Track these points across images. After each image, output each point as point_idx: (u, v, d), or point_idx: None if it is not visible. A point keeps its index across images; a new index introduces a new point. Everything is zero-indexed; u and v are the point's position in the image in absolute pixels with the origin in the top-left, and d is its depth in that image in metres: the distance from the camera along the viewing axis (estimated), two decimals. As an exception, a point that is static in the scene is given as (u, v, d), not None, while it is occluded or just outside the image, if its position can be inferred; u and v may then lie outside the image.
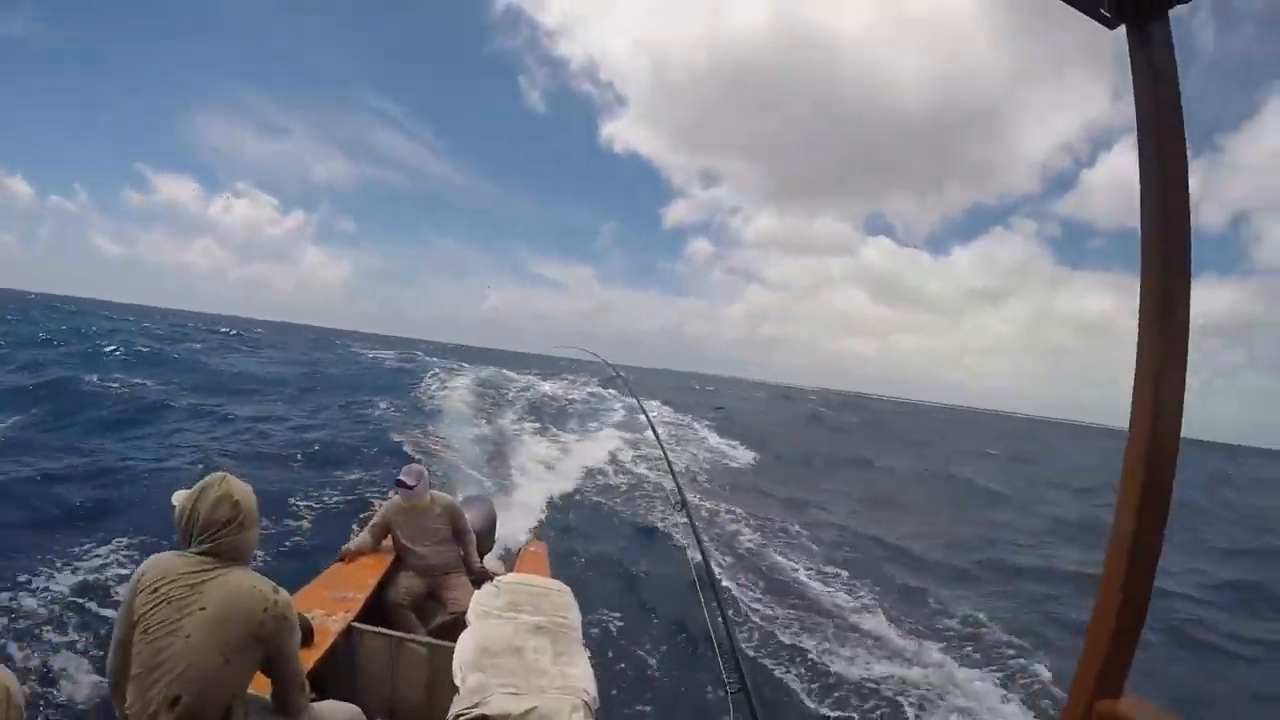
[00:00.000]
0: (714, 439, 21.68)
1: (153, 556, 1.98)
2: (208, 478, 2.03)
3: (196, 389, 16.77)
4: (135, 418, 12.37)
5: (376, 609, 3.91)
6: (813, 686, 6.04)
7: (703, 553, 3.41)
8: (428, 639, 3.46)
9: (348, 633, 3.33)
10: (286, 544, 6.89)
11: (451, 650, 2.84)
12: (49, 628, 4.77)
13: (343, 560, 4.27)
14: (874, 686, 6.12)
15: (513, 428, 17.24)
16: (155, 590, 1.87)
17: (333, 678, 3.02)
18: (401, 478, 4.37)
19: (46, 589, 5.28)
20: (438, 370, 28.03)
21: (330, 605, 3.48)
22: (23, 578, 5.39)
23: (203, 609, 1.84)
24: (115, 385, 15.05)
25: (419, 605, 4.19)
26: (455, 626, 3.51)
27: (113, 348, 22.27)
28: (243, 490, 2.02)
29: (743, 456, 19.40)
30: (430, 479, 4.48)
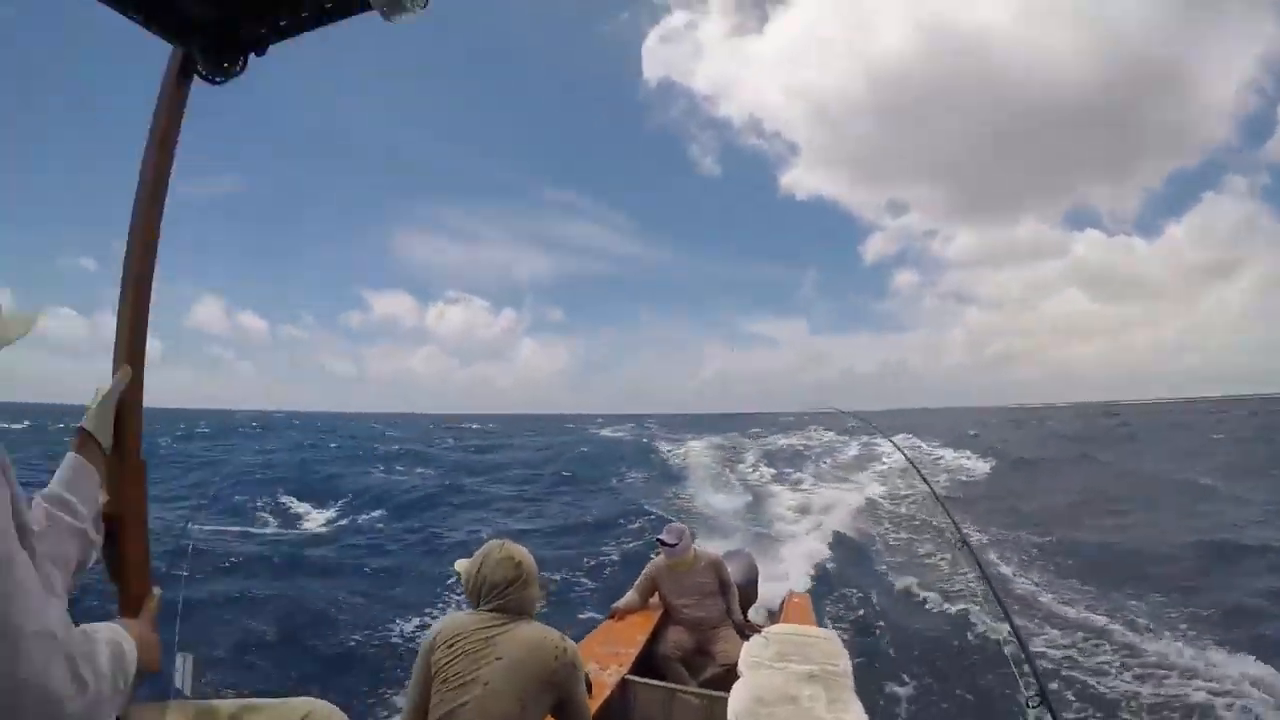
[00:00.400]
0: (971, 464, 20.09)
1: (445, 616, 2.20)
2: (487, 544, 2.22)
3: (466, 474, 19.57)
4: (421, 502, 14.87)
5: (647, 663, 4.02)
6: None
7: (986, 580, 3.26)
8: (701, 690, 3.54)
9: (623, 685, 3.47)
10: (560, 607, 7.46)
11: (724, 701, 2.91)
12: (381, 670, 5.66)
13: (613, 618, 4.46)
14: None
15: (757, 482, 17.60)
16: (452, 645, 2.04)
17: None
18: (663, 537, 4.48)
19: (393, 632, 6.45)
20: (671, 438, 29.38)
21: (604, 659, 3.65)
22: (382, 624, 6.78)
23: (499, 659, 1.98)
24: (403, 477, 17.93)
25: (688, 659, 4.25)
26: (725, 678, 3.57)
27: (382, 448, 26.61)
28: (521, 552, 2.19)
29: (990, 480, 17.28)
30: (690, 536, 4.56)
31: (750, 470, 20.07)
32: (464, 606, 2.23)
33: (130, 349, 1.37)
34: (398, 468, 21.18)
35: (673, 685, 3.60)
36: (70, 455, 1.30)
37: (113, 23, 1.35)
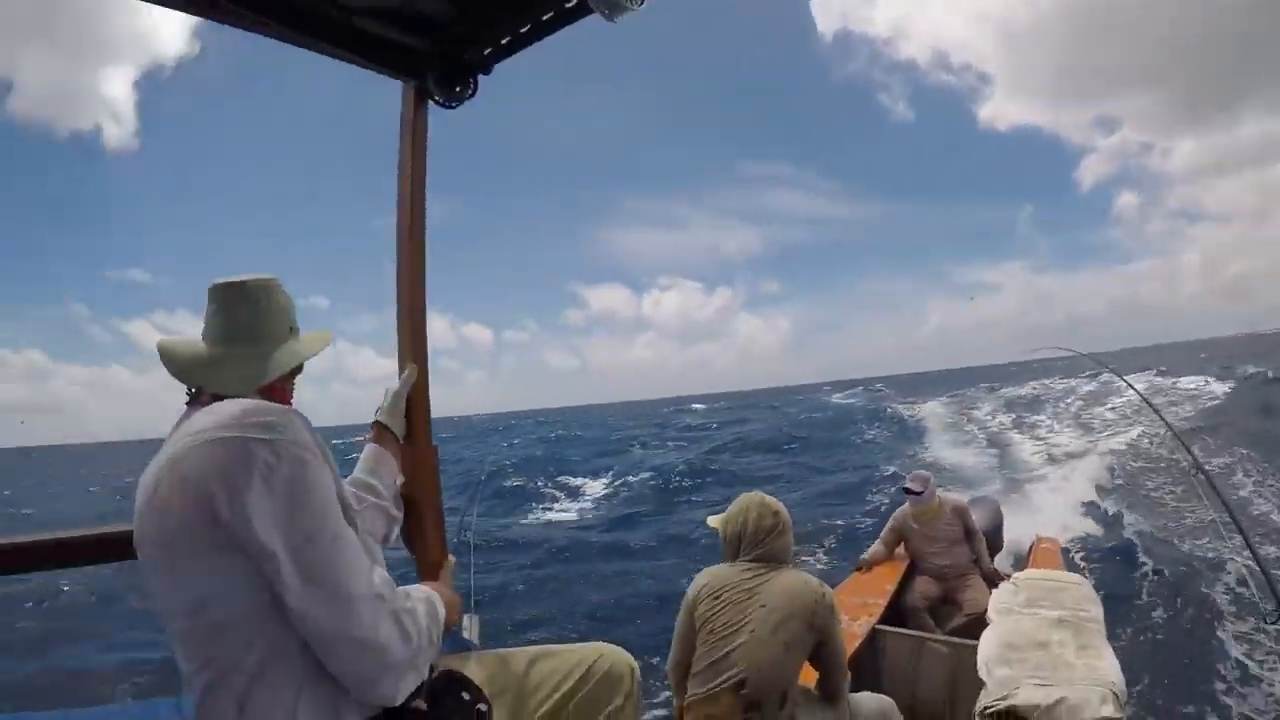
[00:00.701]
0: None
1: (705, 570, 2.29)
2: (740, 498, 2.29)
3: (708, 450, 20.22)
4: (671, 477, 15.78)
5: (896, 613, 4.08)
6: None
7: (1227, 510, 3.04)
8: (949, 638, 3.54)
9: (872, 635, 3.52)
10: (810, 561, 7.84)
11: (973, 648, 2.92)
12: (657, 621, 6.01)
13: (860, 570, 4.53)
14: None
15: (996, 431, 17.36)
16: (718, 597, 2.12)
17: (858, 676, 3.16)
18: (909, 484, 4.48)
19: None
20: (903, 400, 28.63)
21: (853, 610, 3.69)
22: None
23: (763, 606, 2.05)
24: (653, 454, 19.07)
25: (935, 608, 4.27)
26: (972, 627, 3.60)
27: (620, 434, 28.27)
28: (776, 503, 2.26)
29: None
30: (934, 484, 4.53)
31: (988, 419, 20.00)
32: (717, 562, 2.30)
33: (413, 350, 1.61)
34: (641, 449, 22.49)
35: (922, 634, 3.63)
36: (369, 445, 1.54)
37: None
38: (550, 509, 14.06)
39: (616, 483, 16.23)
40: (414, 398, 1.61)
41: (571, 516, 13.20)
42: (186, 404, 1.17)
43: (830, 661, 2.15)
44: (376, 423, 1.57)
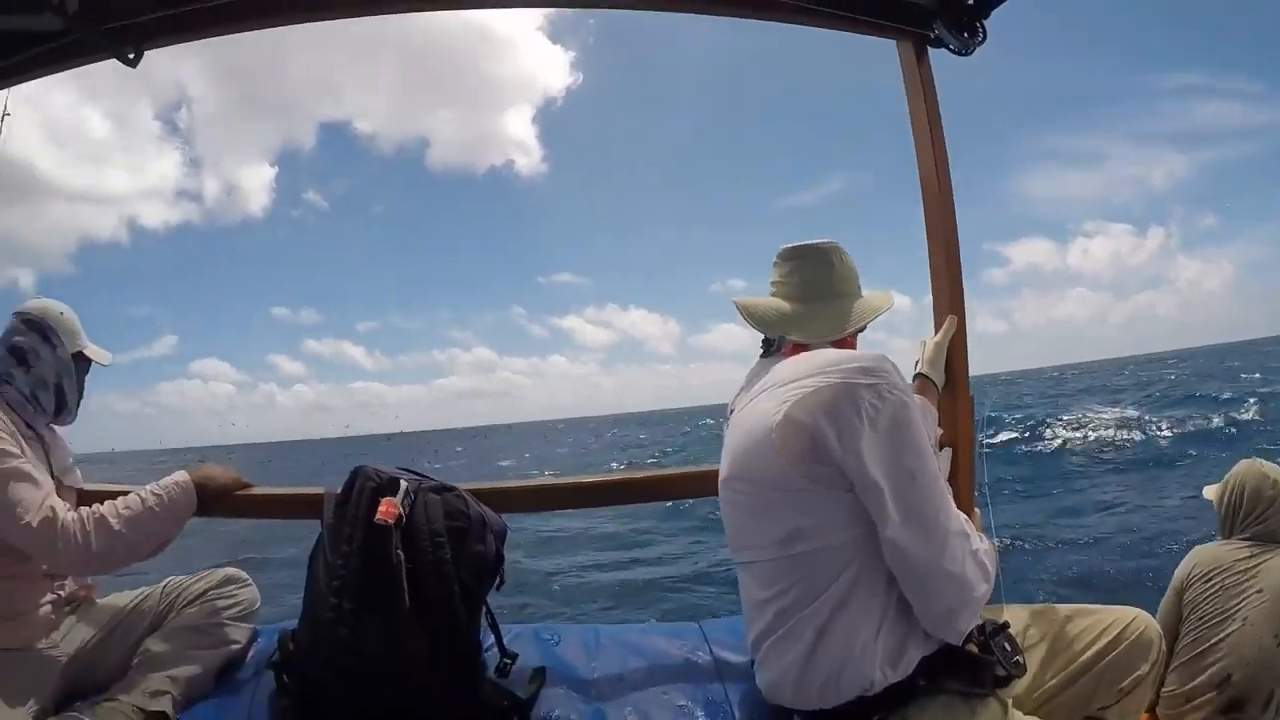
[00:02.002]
0: None
1: (1195, 549, 2.10)
2: (1237, 466, 2.12)
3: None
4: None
5: None
6: None
7: None
8: None
9: None
10: None
11: None
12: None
13: None
14: None
15: None
16: (1208, 579, 1.96)
17: None
18: None
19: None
20: None
21: None
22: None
23: (1259, 591, 1.87)
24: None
25: None
26: None
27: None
28: (1276, 469, 2.05)
29: None
30: None
31: None
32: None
33: (951, 302, 1.62)
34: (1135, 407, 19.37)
35: None
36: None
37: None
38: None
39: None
40: (953, 348, 1.63)
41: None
42: (762, 356, 1.30)
43: None
44: (919, 374, 1.62)
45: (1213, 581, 1.95)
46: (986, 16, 1.61)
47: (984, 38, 1.61)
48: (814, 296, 1.28)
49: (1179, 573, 2.07)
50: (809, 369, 1.11)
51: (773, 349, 1.29)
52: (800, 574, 1.09)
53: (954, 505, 1.11)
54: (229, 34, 1.61)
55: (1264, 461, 2.10)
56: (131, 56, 1.71)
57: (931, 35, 1.64)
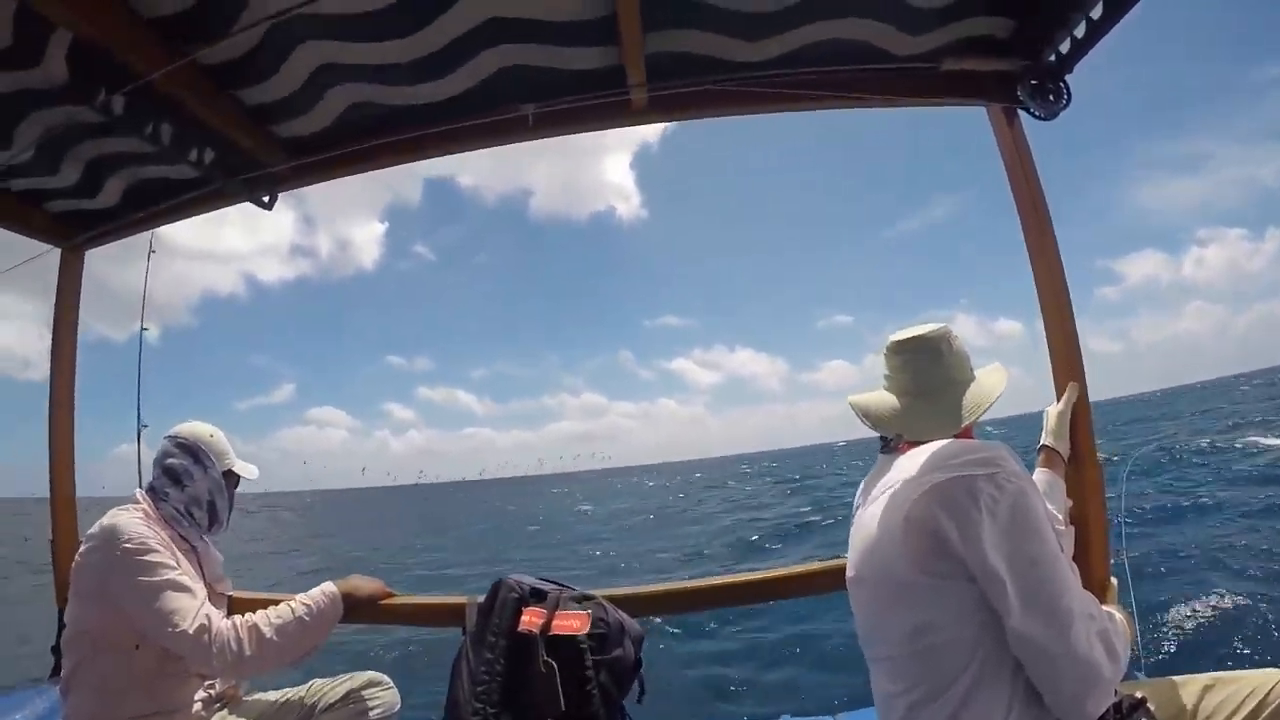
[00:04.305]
0: None
1: None
2: None
3: None
4: None
5: None
6: None
7: None
8: None
9: None
10: None
11: None
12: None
13: None
14: None
15: None
16: None
17: None
18: None
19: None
20: None
21: None
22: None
23: None
24: None
25: None
26: None
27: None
28: None
29: None
30: None
31: None
32: None
33: (1069, 367, 1.57)
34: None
35: None
36: (1038, 470, 1.55)
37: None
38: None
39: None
40: (1077, 417, 1.57)
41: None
42: (881, 451, 1.29)
43: None
44: (1044, 446, 1.58)
45: None
46: (1070, 71, 1.59)
47: (1068, 101, 1.59)
48: (925, 390, 1.28)
49: None
50: (928, 466, 1.12)
51: (890, 444, 1.30)
52: (929, 667, 1.09)
53: (1078, 585, 1.08)
54: (351, 175, 1.77)
55: None
56: (266, 200, 1.90)
57: (1018, 101, 1.63)
